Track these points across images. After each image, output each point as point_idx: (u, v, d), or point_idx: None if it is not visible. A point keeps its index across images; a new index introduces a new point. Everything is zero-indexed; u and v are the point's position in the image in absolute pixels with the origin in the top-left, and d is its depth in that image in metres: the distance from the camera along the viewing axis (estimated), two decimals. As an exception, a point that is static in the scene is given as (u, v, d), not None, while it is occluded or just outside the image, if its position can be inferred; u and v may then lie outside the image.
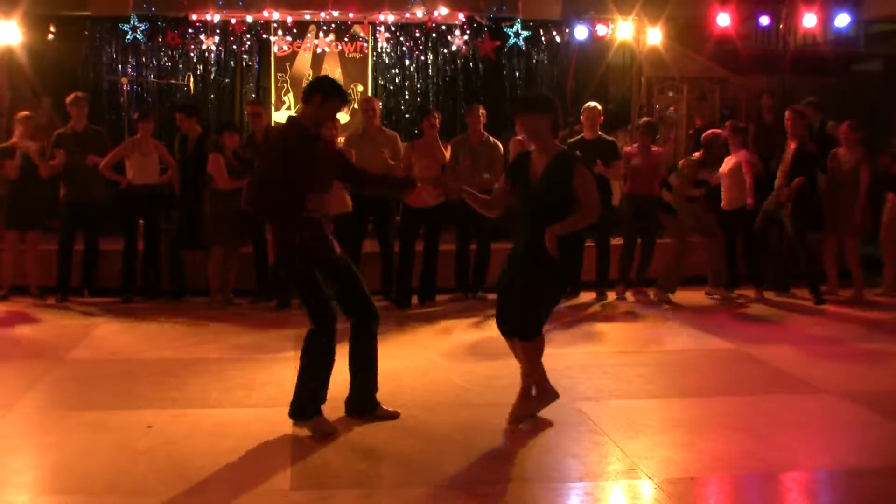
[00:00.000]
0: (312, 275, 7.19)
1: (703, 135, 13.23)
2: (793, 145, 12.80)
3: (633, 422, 7.49)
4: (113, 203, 13.09)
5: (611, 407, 7.96)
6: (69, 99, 12.91)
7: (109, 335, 10.91)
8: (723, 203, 13.04)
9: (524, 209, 7.31)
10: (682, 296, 12.85)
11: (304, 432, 7.13)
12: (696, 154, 13.04)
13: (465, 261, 12.90)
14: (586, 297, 12.92)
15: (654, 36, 15.87)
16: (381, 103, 14.35)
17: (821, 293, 12.75)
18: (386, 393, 7.77)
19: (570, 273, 7.43)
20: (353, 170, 7.85)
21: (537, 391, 7.61)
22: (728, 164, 12.90)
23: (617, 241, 13.16)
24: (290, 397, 7.58)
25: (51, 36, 16.11)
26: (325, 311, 7.21)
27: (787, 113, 12.99)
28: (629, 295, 12.99)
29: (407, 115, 17.10)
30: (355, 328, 7.53)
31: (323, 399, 7.34)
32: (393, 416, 7.57)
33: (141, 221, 12.88)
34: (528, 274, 7.24)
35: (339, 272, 7.37)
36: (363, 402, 7.58)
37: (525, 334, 7.40)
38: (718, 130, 13.31)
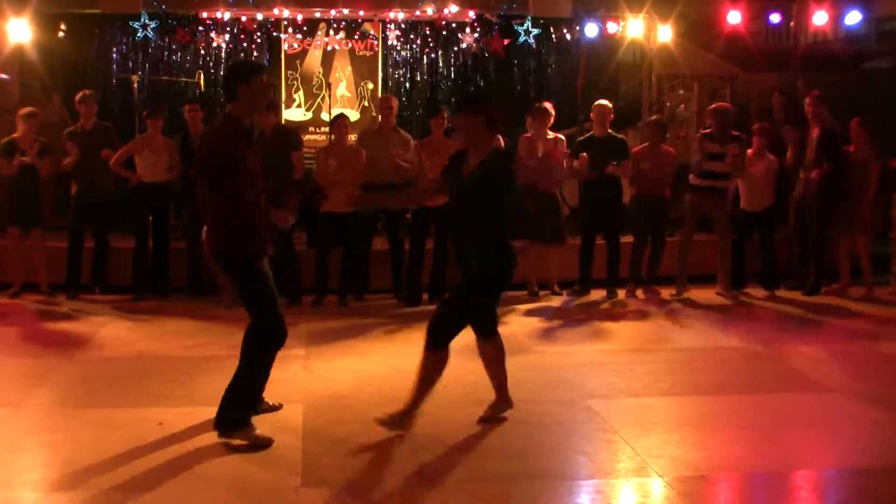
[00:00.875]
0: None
1: (711, 107, 13.28)
2: (816, 131, 12.84)
3: (643, 420, 7.49)
4: (123, 200, 13.11)
5: (621, 405, 7.96)
6: (78, 97, 12.92)
7: (119, 333, 10.92)
8: (742, 203, 13.02)
9: (453, 207, 7.29)
10: (692, 294, 12.85)
11: (313, 429, 7.14)
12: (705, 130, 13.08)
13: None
14: (597, 294, 12.92)
15: (665, 33, 15.84)
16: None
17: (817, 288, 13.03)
18: (395, 390, 7.79)
19: (490, 282, 7.21)
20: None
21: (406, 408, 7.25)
22: (752, 165, 12.88)
23: (627, 239, 13.14)
24: (300, 394, 7.62)
25: (61, 34, 16.09)
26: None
27: (807, 99, 13.07)
28: (639, 293, 12.99)
29: (417, 113, 17.08)
30: None
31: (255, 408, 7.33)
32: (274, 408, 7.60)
33: (150, 219, 12.89)
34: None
35: None
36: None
37: (427, 342, 7.23)
38: (726, 105, 13.34)
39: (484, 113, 7.05)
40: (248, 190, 6.84)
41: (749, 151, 12.95)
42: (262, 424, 7.33)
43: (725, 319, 11.65)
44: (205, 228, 7.17)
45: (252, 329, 7.10)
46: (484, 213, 6.99)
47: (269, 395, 7.70)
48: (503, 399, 7.59)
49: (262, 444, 6.88)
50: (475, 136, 7.11)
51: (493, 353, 7.55)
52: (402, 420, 7.12)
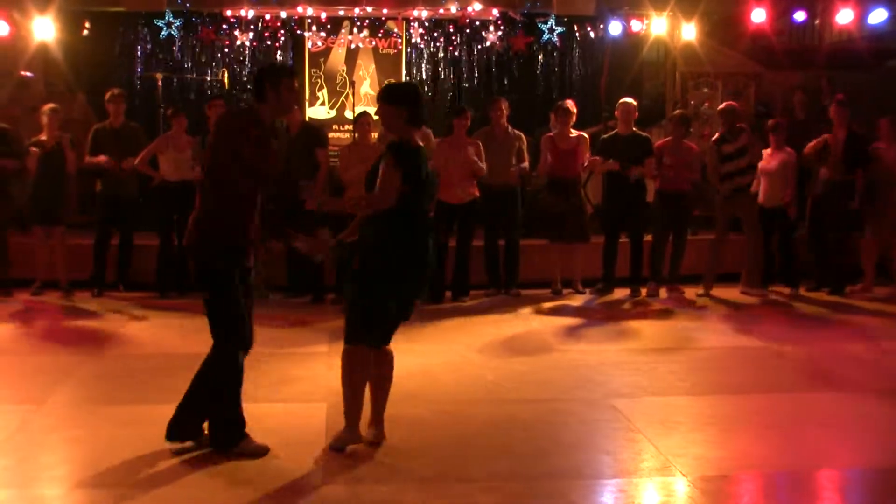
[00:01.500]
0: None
1: (719, 108, 13.28)
2: (841, 134, 12.83)
3: (666, 419, 7.47)
4: (147, 199, 13.15)
5: (644, 404, 7.94)
6: (107, 95, 12.98)
7: (142, 330, 10.99)
8: (760, 199, 12.99)
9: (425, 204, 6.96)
10: (716, 292, 12.82)
11: (336, 426, 7.14)
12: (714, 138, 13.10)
13: (494, 257, 12.90)
14: (620, 293, 12.90)
15: (689, 31, 15.81)
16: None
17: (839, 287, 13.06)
18: (418, 388, 7.80)
19: (369, 273, 6.70)
20: None
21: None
22: (768, 160, 12.86)
23: (651, 237, 13.12)
24: (323, 392, 7.62)
25: (86, 31, 16.17)
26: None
27: (831, 107, 13.08)
28: (662, 292, 12.96)
29: (440, 111, 17.09)
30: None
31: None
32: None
33: (175, 217, 12.91)
34: None
35: None
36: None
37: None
38: (732, 103, 13.33)
39: (404, 106, 6.72)
40: (244, 181, 6.65)
41: (767, 151, 12.92)
42: (287, 420, 7.37)
43: (749, 318, 11.64)
44: (191, 217, 6.93)
45: (214, 341, 6.82)
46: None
47: (293, 392, 7.73)
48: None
49: (260, 453, 6.68)
50: (394, 128, 6.80)
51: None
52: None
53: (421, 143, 6.88)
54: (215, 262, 6.67)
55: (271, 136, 6.95)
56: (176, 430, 6.78)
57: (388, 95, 6.91)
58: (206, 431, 6.85)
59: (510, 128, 12.89)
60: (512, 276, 12.99)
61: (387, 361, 6.99)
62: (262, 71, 6.96)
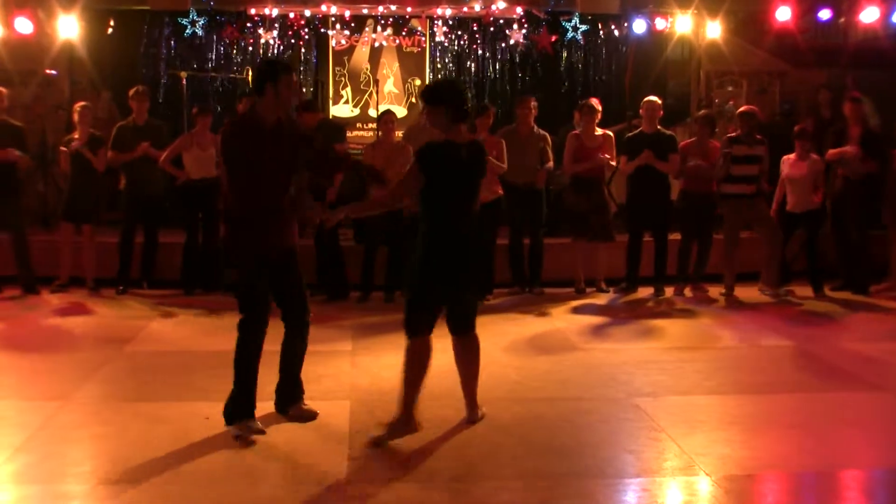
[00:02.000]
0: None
1: (739, 110, 13.24)
2: (856, 131, 12.80)
3: (690, 418, 7.47)
4: (172, 197, 13.21)
5: (668, 403, 7.93)
6: (131, 93, 13.04)
7: (167, 327, 11.03)
8: (788, 206, 12.91)
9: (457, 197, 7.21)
10: (740, 292, 12.78)
11: (360, 424, 7.17)
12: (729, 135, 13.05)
13: (518, 255, 12.91)
14: (644, 292, 12.89)
15: (714, 29, 15.76)
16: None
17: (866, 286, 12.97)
18: (443, 387, 7.80)
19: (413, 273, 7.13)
20: None
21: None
22: (794, 168, 12.80)
23: (675, 236, 13.09)
24: (347, 390, 7.67)
25: (110, 30, 16.23)
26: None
27: (846, 104, 13.03)
28: (687, 291, 12.94)
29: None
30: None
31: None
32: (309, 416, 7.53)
33: (199, 214, 12.97)
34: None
35: None
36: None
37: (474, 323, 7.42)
38: (753, 107, 13.29)
39: (441, 105, 7.02)
40: (255, 185, 7.02)
41: (791, 156, 12.87)
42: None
43: (773, 318, 11.60)
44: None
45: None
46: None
47: (317, 390, 7.75)
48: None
49: (256, 431, 7.06)
50: (440, 126, 7.09)
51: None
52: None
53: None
54: (240, 259, 7.17)
55: (275, 132, 7.16)
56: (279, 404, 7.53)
57: (425, 96, 7.25)
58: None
59: (536, 127, 12.89)
60: (536, 274, 13.00)
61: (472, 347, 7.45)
62: (260, 67, 7.14)
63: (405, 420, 7.03)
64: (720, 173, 12.64)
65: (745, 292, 12.80)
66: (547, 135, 12.99)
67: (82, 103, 13.02)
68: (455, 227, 7.01)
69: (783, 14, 15.37)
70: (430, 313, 7.10)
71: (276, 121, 7.15)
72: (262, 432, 7.06)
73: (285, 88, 7.10)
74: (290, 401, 7.53)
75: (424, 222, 7.04)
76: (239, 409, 7.16)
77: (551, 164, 12.93)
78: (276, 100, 7.09)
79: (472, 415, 7.39)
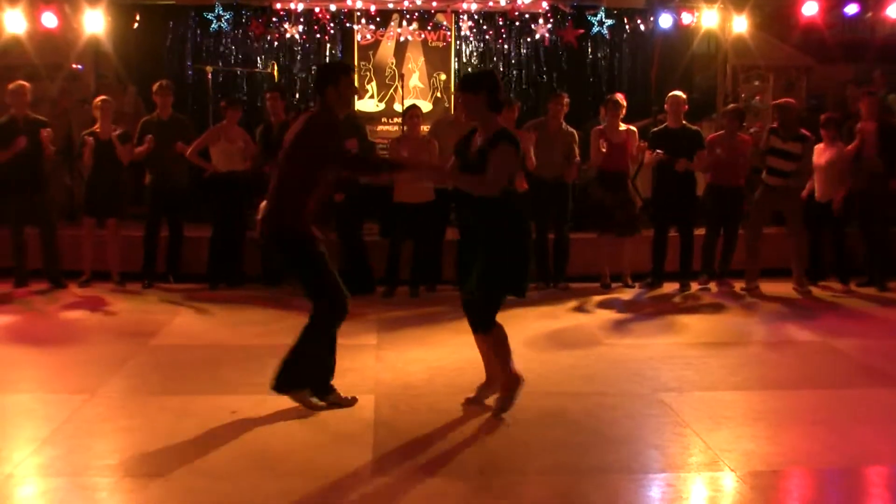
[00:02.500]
0: None
1: (775, 102, 13.21)
2: (872, 125, 12.75)
3: (715, 414, 7.46)
4: (198, 190, 13.25)
5: (693, 398, 7.92)
6: (155, 87, 13.08)
7: (193, 321, 11.07)
8: (816, 195, 12.89)
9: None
10: (766, 287, 12.74)
11: (384, 418, 7.19)
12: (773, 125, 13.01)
13: (544, 250, 12.90)
14: (669, 287, 12.87)
15: (740, 24, 15.71)
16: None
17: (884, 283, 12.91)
18: (467, 381, 7.81)
19: (517, 267, 7.30)
20: None
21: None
22: (821, 156, 12.77)
23: (700, 231, 13.07)
24: (371, 384, 7.70)
25: (136, 24, 16.29)
26: None
27: (862, 98, 13.03)
28: (712, 286, 12.92)
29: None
30: None
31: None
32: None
33: (226, 208, 12.99)
34: (482, 261, 7.25)
35: None
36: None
37: (482, 327, 7.41)
38: (790, 100, 13.26)
39: (481, 92, 7.14)
40: (324, 180, 7.43)
41: (819, 146, 12.83)
42: (336, 412, 7.42)
43: (799, 313, 11.57)
44: (262, 209, 7.65)
45: (315, 309, 7.45)
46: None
47: (342, 385, 7.76)
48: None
49: (314, 408, 7.45)
50: (478, 115, 7.25)
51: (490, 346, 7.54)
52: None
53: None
54: (300, 240, 7.39)
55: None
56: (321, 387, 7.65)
57: (465, 84, 7.46)
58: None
59: (565, 124, 12.87)
60: (561, 269, 12.99)
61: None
62: (319, 71, 7.47)
63: (515, 378, 7.41)
64: (756, 160, 12.71)
65: (773, 288, 12.76)
66: (575, 132, 12.95)
67: (103, 97, 13.07)
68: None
69: (810, 9, 15.33)
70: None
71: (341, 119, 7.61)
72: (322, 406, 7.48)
73: (347, 88, 7.49)
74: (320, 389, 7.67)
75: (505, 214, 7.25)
76: (301, 378, 7.52)
77: (578, 160, 12.92)
78: (340, 100, 7.44)
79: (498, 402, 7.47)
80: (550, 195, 12.60)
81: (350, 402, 7.58)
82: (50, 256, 12.70)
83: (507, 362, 7.37)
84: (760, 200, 12.85)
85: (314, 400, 7.49)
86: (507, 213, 7.20)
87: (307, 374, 7.52)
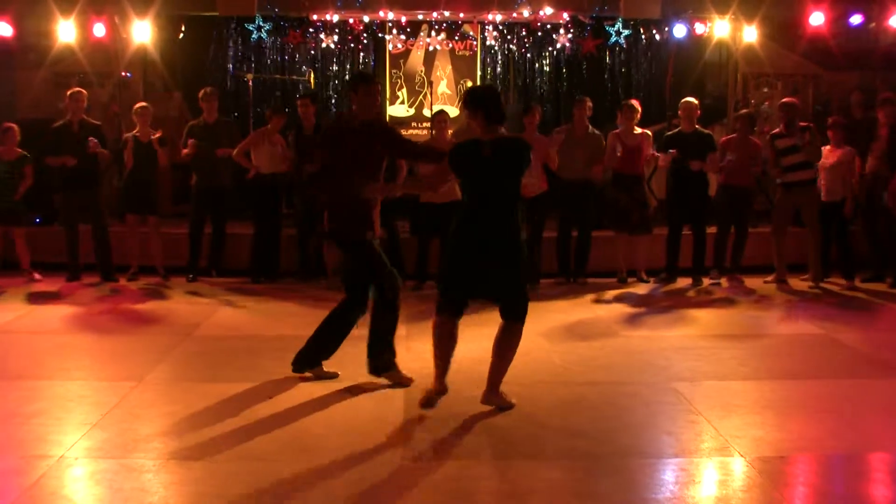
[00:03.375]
0: None
1: (779, 102, 13.16)
2: (884, 130, 12.68)
3: (726, 402, 7.42)
4: (241, 190, 13.28)
5: (705, 387, 7.89)
6: (201, 94, 13.15)
7: (234, 313, 11.09)
8: (823, 195, 12.82)
9: (481, 191, 7.16)
10: (776, 282, 12.69)
11: (414, 406, 7.18)
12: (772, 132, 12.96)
13: (566, 247, 12.88)
14: (682, 282, 12.83)
15: (750, 34, 15.69)
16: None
17: None
18: (486, 372, 7.80)
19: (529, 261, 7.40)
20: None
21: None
22: (829, 157, 12.71)
23: (712, 229, 13.02)
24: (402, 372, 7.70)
25: (181, 35, 16.37)
26: None
27: (879, 107, 12.91)
28: (724, 281, 12.87)
29: (513, 110, 17.08)
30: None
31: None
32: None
33: (269, 206, 13.03)
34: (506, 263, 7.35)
35: None
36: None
37: (522, 316, 7.45)
38: (792, 99, 13.19)
39: (481, 112, 7.11)
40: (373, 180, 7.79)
41: (826, 148, 12.77)
42: (366, 401, 7.43)
43: (808, 307, 11.50)
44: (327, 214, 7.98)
45: (380, 292, 8.08)
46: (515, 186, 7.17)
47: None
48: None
49: (404, 383, 7.86)
50: (481, 128, 7.18)
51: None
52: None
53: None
54: (362, 235, 7.91)
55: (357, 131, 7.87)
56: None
57: (465, 102, 7.39)
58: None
59: (591, 127, 12.85)
60: (581, 266, 12.97)
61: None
62: (351, 78, 7.75)
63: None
64: (773, 168, 12.72)
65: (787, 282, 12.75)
66: (601, 135, 12.93)
67: (141, 103, 13.21)
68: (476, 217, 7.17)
69: (816, 19, 15.31)
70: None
71: (359, 123, 7.85)
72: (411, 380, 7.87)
73: (365, 95, 7.84)
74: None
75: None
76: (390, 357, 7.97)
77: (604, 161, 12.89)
78: (361, 105, 7.86)
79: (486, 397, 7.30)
80: (575, 196, 12.58)
81: (332, 375, 8.03)
82: (103, 252, 12.79)
83: (512, 357, 7.31)
84: (780, 203, 12.86)
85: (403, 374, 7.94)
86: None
87: (388, 358, 7.92)
